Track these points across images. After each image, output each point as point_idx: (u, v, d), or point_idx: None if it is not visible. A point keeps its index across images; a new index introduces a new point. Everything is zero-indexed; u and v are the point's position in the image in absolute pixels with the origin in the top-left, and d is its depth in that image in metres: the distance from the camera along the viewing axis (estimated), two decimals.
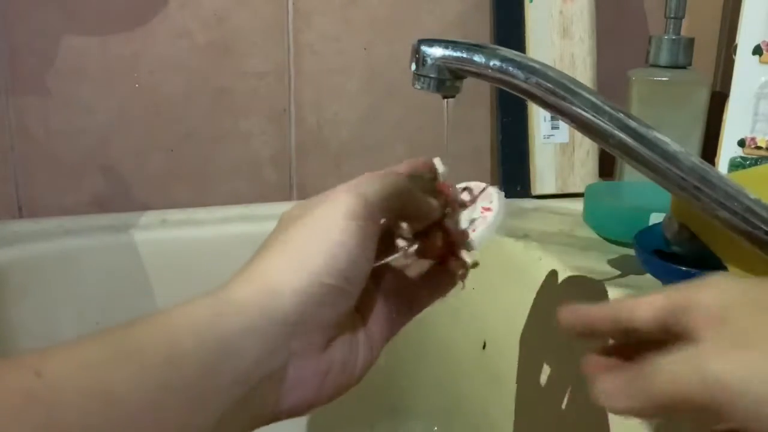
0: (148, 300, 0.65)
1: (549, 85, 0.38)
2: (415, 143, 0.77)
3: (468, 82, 0.41)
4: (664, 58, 0.68)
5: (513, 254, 0.60)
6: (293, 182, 0.76)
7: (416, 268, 0.39)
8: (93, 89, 0.68)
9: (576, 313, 0.33)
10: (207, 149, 0.72)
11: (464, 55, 0.39)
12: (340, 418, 0.68)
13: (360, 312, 0.36)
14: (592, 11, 0.73)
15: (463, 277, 0.39)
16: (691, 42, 0.68)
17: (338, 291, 0.31)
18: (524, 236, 0.62)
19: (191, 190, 0.73)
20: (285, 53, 0.72)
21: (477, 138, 0.79)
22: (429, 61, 0.40)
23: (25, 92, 0.66)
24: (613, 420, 0.48)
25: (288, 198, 0.76)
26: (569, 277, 0.53)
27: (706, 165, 0.37)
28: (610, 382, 0.29)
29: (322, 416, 0.66)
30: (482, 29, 0.76)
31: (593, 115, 0.37)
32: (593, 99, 0.38)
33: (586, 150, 0.74)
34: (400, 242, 0.37)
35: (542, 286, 0.55)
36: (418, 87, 0.41)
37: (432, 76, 0.40)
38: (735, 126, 0.61)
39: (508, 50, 0.39)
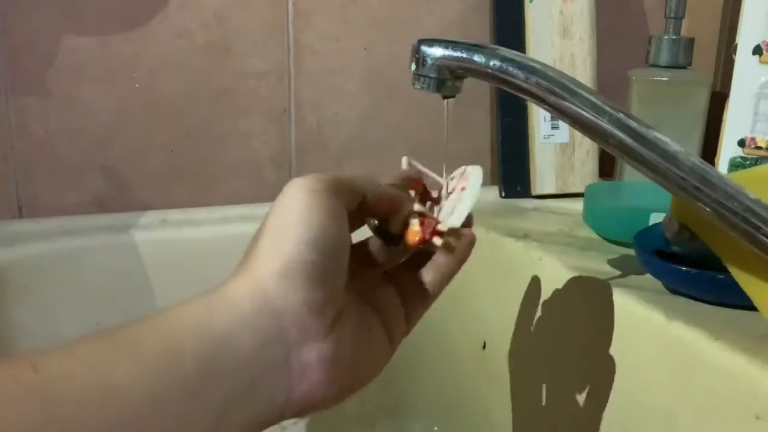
0: (148, 300, 0.65)
1: (549, 85, 0.38)
2: (415, 143, 0.77)
3: (468, 82, 0.41)
4: (664, 58, 0.68)
5: (513, 254, 0.60)
6: None
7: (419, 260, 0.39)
8: (93, 89, 0.68)
9: None
10: (207, 149, 0.72)
11: (464, 55, 0.39)
12: (340, 418, 0.68)
13: (374, 305, 0.36)
14: (592, 11, 0.73)
15: (450, 249, 0.37)
16: (691, 42, 0.68)
17: (316, 267, 0.30)
18: (524, 236, 0.62)
19: (191, 190, 0.73)
20: (285, 53, 0.72)
21: (477, 138, 0.79)
22: (429, 61, 0.40)
23: (25, 92, 0.66)
24: (613, 419, 0.48)
25: None
26: (569, 277, 0.53)
27: (706, 165, 0.37)
28: None
29: (322, 416, 0.66)
30: (482, 29, 0.76)
31: (593, 115, 0.37)
32: (593, 99, 0.37)
33: (586, 150, 0.74)
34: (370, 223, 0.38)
35: (542, 286, 0.55)
36: (418, 87, 0.41)
37: (432, 76, 0.40)
38: (735, 126, 0.61)
39: (508, 50, 0.39)
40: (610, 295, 0.49)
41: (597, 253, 0.57)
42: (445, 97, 0.41)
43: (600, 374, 0.48)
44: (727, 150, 0.62)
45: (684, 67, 0.68)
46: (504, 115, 0.75)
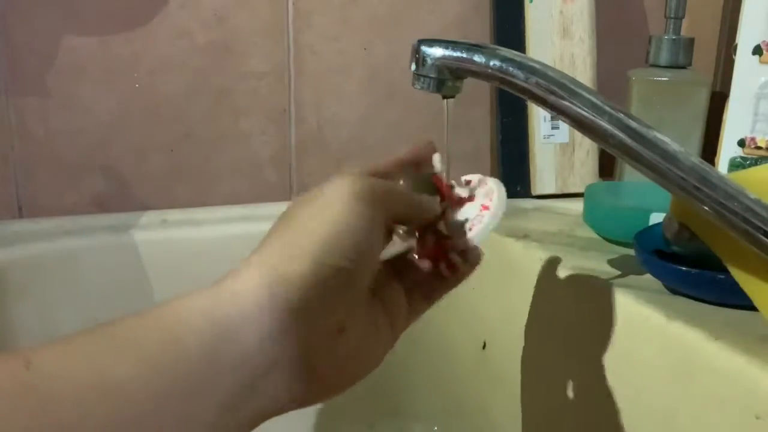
0: (148, 300, 0.65)
1: (549, 85, 0.38)
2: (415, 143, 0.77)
3: (468, 82, 0.41)
4: (664, 58, 0.68)
5: (513, 254, 0.60)
6: (293, 182, 0.76)
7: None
8: (93, 89, 0.68)
9: None
10: (207, 149, 0.72)
11: (464, 55, 0.39)
12: (340, 418, 0.68)
13: (380, 297, 0.36)
14: (592, 11, 0.73)
15: (461, 276, 0.39)
16: (691, 42, 0.68)
17: (343, 273, 0.30)
18: (524, 236, 0.62)
19: (191, 190, 0.73)
20: (285, 53, 0.72)
21: (477, 138, 0.79)
22: (429, 61, 0.40)
23: (25, 92, 0.66)
24: (613, 419, 0.48)
25: (288, 198, 0.76)
26: (569, 277, 0.53)
27: (706, 165, 0.37)
28: None
29: (322, 416, 0.66)
30: (482, 29, 0.76)
31: (593, 115, 0.37)
32: (593, 99, 0.37)
33: (586, 150, 0.74)
34: (398, 237, 0.37)
35: (542, 286, 0.55)
36: (418, 87, 0.41)
37: (432, 76, 0.40)
38: (735, 126, 0.61)
39: (508, 50, 0.39)
40: (610, 295, 0.49)
41: (597, 253, 0.57)
42: (445, 97, 0.41)
43: (600, 374, 0.48)
44: (727, 150, 0.62)
45: (684, 67, 0.68)
46: (504, 115, 0.75)
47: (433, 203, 0.38)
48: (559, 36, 0.73)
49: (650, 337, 0.45)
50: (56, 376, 0.24)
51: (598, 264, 0.54)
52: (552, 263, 0.55)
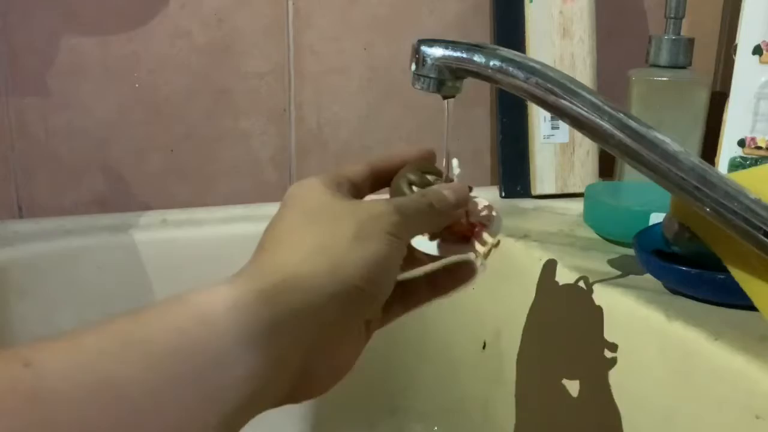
0: (148, 300, 0.64)
1: (549, 85, 0.38)
2: (415, 143, 0.76)
3: (468, 82, 0.41)
4: (664, 58, 0.68)
5: (513, 254, 0.60)
6: (293, 182, 0.75)
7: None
8: (93, 89, 0.68)
9: None
10: (207, 149, 0.72)
11: (464, 55, 0.39)
12: (340, 418, 0.68)
13: None
14: (592, 11, 0.73)
15: (486, 255, 0.39)
16: (691, 42, 0.68)
17: (367, 296, 0.32)
18: (524, 236, 0.62)
19: (191, 190, 0.73)
20: (285, 53, 0.72)
21: (477, 138, 0.79)
22: (429, 61, 0.40)
23: (25, 92, 0.66)
24: (613, 419, 0.48)
25: None
26: (569, 277, 0.53)
27: (706, 165, 0.37)
28: None
29: (322, 416, 0.66)
30: (482, 29, 0.76)
31: (593, 115, 0.37)
32: (593, 99, 0.37)
33: (586, 150, 0.74)
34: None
35: (542, 286, 0.55)
36: (418, 87, 0.41)
37: (432, 76, 0.40)
38: (735, 126, 0.61)
39: (508, 50, 0.39)
40: (610, 295, 0.49)
41: (597, 253, 0.57)
42: (445, 98, 0.41)
43: (600, 374, 0.48)
44: (727, 150, 0.62)
45: (684, 67, 0.68)
46: (504, 115, 0.75)
47: (449, 207, 0.38)
48: (559, 36, 0.73)
49: (650, 337, 0.45)
50: (55, 376, 0.23)
51: (598, 264, 0.54)
52: (552, 263, 0.55)
